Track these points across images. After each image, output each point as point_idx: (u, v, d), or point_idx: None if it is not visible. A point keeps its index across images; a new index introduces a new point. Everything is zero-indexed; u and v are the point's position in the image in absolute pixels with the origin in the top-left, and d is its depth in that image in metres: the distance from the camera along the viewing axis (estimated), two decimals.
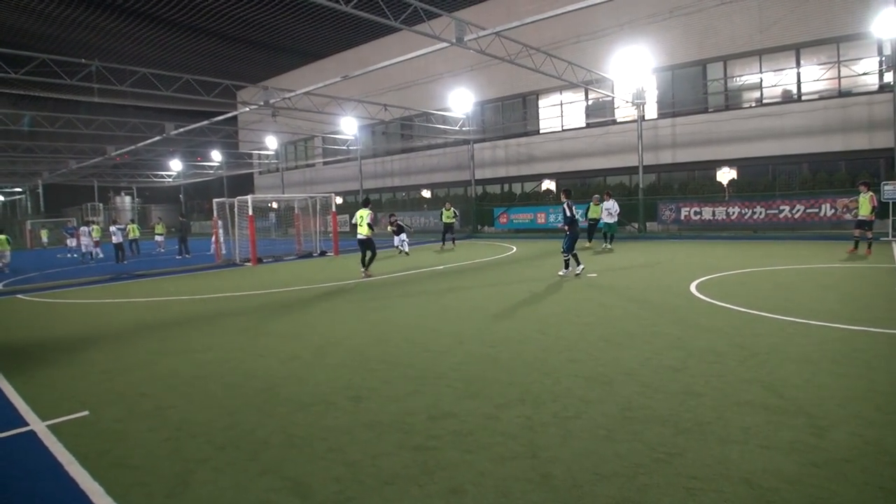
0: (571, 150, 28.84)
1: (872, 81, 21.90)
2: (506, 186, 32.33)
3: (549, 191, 30.32)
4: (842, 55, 22.32)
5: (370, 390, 5.41)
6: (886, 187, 18.76)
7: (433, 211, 33.51)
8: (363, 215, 14.18)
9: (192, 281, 15.70)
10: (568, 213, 12.36)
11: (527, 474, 3.61)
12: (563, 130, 29.57)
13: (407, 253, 19.93)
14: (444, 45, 17.22)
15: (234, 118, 38.33)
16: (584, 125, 28.90)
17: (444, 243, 22.72)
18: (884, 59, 21.22)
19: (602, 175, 28.39)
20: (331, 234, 23.23)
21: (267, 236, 33.98)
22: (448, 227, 22.51)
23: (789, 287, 10.05)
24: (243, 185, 50.71)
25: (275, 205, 36.44)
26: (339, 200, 25.34)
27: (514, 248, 20.96)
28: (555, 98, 29.83)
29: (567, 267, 12.62)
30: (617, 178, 27.85)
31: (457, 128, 31.11)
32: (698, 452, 3.81)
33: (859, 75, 22.17)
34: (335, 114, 29.55)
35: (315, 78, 31.04)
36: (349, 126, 31.89)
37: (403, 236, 20.47)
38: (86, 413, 5.13)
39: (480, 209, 31.30)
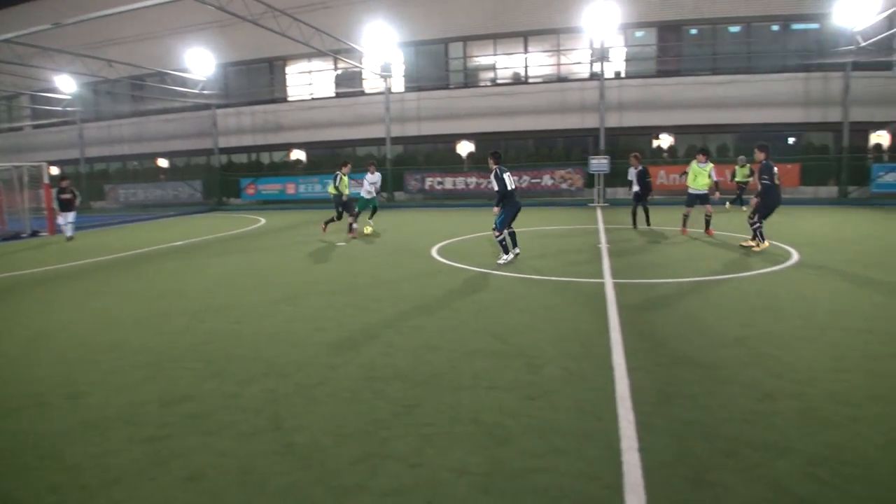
0: (321, 119, 28.54)
1: (585, 70, 25.46)
2: (253, 156, 30.90)
3: (298, 161, 29.74)
4: (561, 45, 25.50)
5: (93, 384, 4.80)
6: (592, 161, 22.07)
7: (173, 182, 30.69)
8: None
9: None
10: (499, 185, 9.51)
11: (270, 447, 3.56)
12: (313, 99, 29.12)
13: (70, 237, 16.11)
14: None
15: None
16: (333, 95, 28.80)
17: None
18: (593, 51, 24.71)
19: (352, 146, 28.70)
20: (45, 211, 19.92)
21: None
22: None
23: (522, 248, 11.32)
24: None
25: None
26: (54, 171, 21.68)
27: (263, 220, 20.25)
28: (303, 65, 29.16)
29: (507, 252, 9.74)
30: (366, 149, 28.40)
31: (197, 91, 28.63)
32: (433, 401, 4.13)
33: (574, 64, 25.58)
34: (47, 68, 25.12)
35: (20, 23, 25.86)
36: (66, 84, 27.46)
37: (71, 216, 16.33)
38: None
39: (226, 179, 29.44)
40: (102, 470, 3.39)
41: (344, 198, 13.99)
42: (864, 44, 20.84)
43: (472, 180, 24.64)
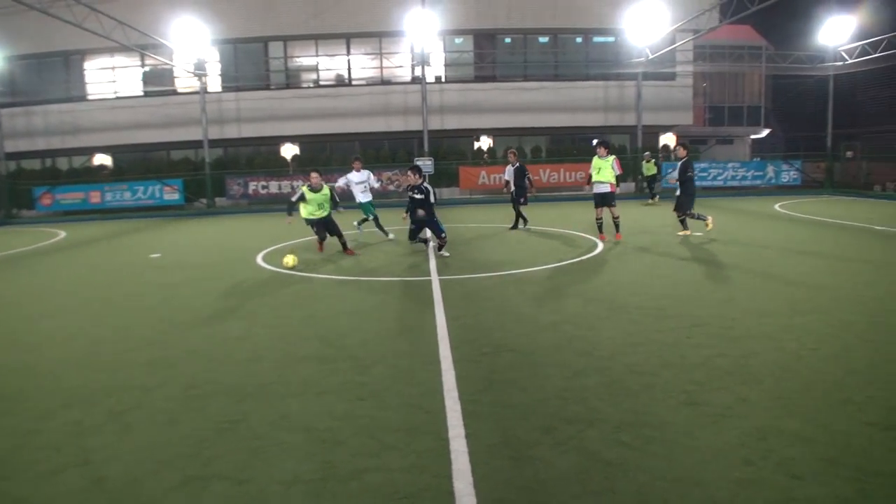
0: (128, 120, 25.97)
1: (407, 74, 25.97)
2: (48, 161, 27.35)
3: (103, 166, 26.90)
4: (383, 49, 25.76)
5: None
6: (417, 162, 22.58)
7: None
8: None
9: None
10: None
11: (78, 484, 3.17)
12: (117, 98, 26.47)
13: None
14: None
15: None
16: (141, 94, 26.46)
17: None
18: (414, 55, 25.26)
19: (165, 148, 26.62)
20: None
21: None
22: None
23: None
24: None
25: None
26: None
27: (63, 234, 18.02)
28: (106, 61, 26.41)
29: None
30: (182, 153, 26.53)
31: None
32: (261, 413, 3.97)
33: (395, 67, 25.98)
34: None
35: None
36: None
37: None
38: None
39: (15, 189, 25.48)
40: None
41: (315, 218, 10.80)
42: (652, 56, 23.69)
43: (298, 184, 24.03)
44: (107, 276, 9.85)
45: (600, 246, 10.67)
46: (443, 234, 10.00)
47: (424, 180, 10.34)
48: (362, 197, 12.58)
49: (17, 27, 24.75)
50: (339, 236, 10.81)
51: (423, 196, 10.12)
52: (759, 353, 4.78)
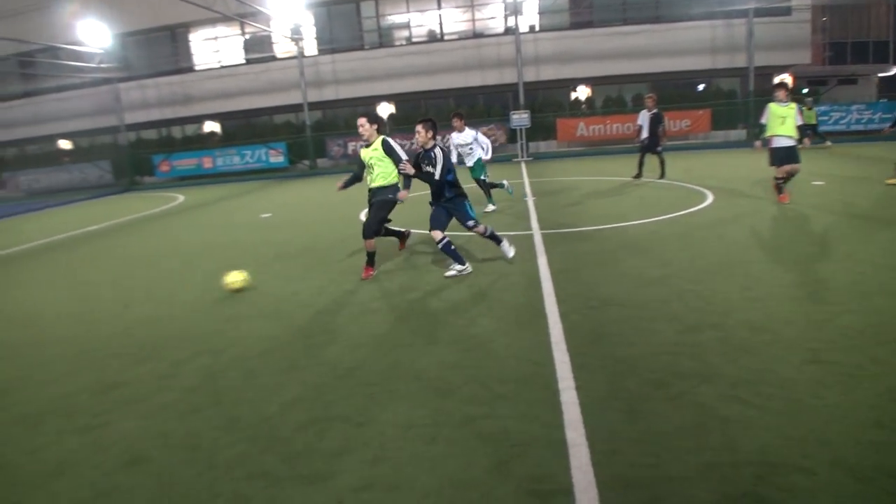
0: (233, 87, 27.29)
1: (500, 25, 25.43)
2: (164, 131, 29.35)
3: (213, 133, 28.50)
4: (475, 0, 25.30)
5: (18, 379, 4.56)
6: (513, 116, 22.26)
7: (78, 164, 28.60)
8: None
9: None
10: (448, 165, 6.35)
11: (213, 422, 3.50)
12: (222, 67, 27.79)
13: None
14: None
15: None
16: (243, 61, 27.59)
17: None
18: (506, 5, 24.64)
19: (268, 113, 27.75)
20: None
21: None
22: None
23: None
24: None
25: None
26: None
27: (182, 198, 19.40)
28: (209, 32, 27.69)
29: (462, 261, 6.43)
30: (284, 117, 27.54)
31: (94, 65, 26.72)
32: (375, 362, 4.17)
33: (488, 19, 25.50)
34: None
35: None
36: None
37: None
38: None
39: (136, 157, 27.76)
40: (38, 464, 3.25)
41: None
42: None
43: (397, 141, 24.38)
44: (226, 235, 10.52)
45: (710, 198, 10.14)
46: (473, 224, 6.43)
47: (436, 142, 6.47)
48: (469, 160, 10.36)
49: (126, 5, 26.45)
50: (374, 227, 6.56)
51: (431, 167, 6.35)
52: (894, 311, 4.43)
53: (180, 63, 28.29)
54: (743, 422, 3.04)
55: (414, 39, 26.27)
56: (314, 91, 25.96)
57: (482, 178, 10.42)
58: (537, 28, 25.48)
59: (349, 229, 9.87)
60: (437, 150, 6.34)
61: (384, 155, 6.54)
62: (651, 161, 12.93)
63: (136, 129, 29.28)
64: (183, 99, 28.15)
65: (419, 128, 6.45)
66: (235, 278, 6.30)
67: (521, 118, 22.08)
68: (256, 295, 6.26)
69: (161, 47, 28.43)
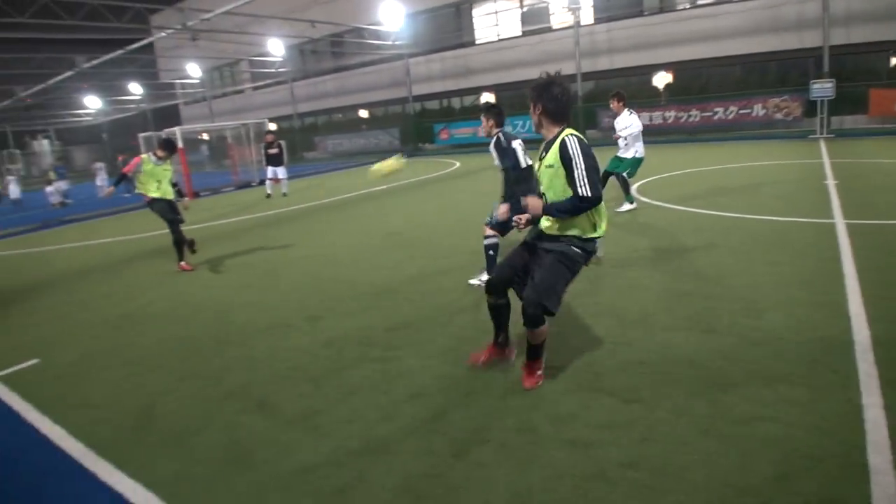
0: (509, 59, 28.28)
1: None
2: (444, 102, 31.75)
3: (488, 103, 30.01)
4: None
5: (327, 309, 5.45)
6: (815, 86, 19.31)
7: (373, 131, 32.61)
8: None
9: (126, 221, 15.12)
10: (508, 159, 5.40)
11: (487, 372, 3.77)
12: (500, 40, 28.91)
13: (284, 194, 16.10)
14: None
15: (151, 45, 35.68)
16: (520, 34, 28.33)
17: None
18: None
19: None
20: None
21: (200, 169, 32.65)
22: None
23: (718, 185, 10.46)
24: (169, 117, 47.88)
25: (205, 136, 34.77)
26: (273, 126, 24.15)
27: (458, 164, 20.88)
28: (489, 6, 28.97)
29: (489, 269, 5.53)
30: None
31: (390, 42, 29.92)
32: (645, 341, 4.05)
33: None
34: (260, 34, 27.91)
35: None
36: (276, 47, 30.29)
37: (281, 171, 15.96)
38: (36, 361, 4.93)
39: (420, 126, 30.70)
40: (341, 382, 3.87)
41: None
42: None
43: (672, 114, 22.94)
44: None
45: None
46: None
47: (500, 131, 5.58)
48: (625, 151, 8.75)
49: None
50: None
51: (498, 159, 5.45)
52: None
53: (463, 37, 30.15)
54: None
55: (699, 2, 24.21)
56: (588, 61, 25.61)
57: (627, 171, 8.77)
58: None
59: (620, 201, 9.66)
60: (504, 138, 5.45)
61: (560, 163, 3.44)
62: None
63: (421, 99, 32.23)
64: (464, 71, 30.10)
65: (483, 119, 5.67)
66: (386, 165, 5.59)
67: (823, 88, 19.05)
68: None
69: (446, 23, 30.59)
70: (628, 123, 8.66)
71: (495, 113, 5.63)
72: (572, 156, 3.26)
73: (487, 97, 30.01)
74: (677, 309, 4.61)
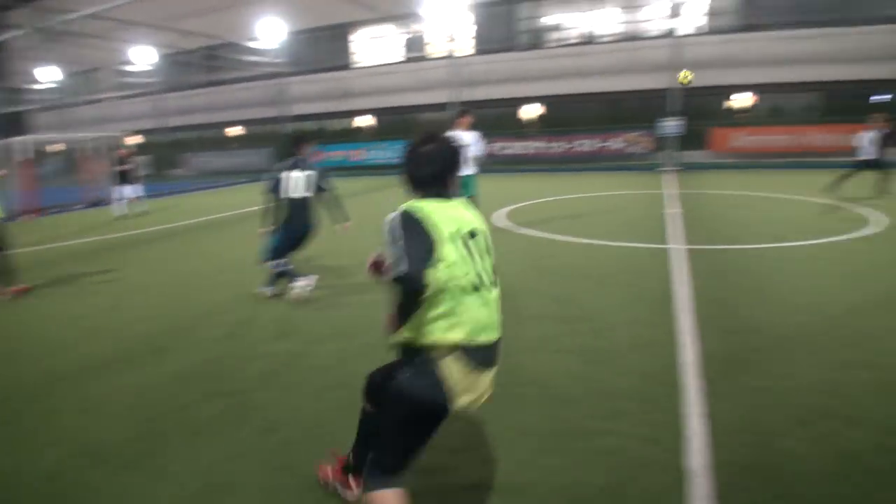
0: (389, 84, 28.58)
1: (657, 27, 24.34)
2: (324, 123, 31.41)
3: (359, 128, 30.15)
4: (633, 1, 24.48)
5: (176, 340, 5.13)
6: (661, 123, 21.29)
7: (245, 150, 31.41)
8: None
9: None
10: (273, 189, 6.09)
11: (341, 403, 3.70)
12: (380, 65, 29.19)
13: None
14: None
15: (1, 44, 32.39)
16: (402, 59, 28.81)
17: None
18: (672, 6, 23.44)
19: (420, 111, 28.72)
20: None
21: (50, 184, 29.70)
22: None
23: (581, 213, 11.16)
24: (15, 125, 43.24)
25: (59, 147, 31.70)
26: (130, 140, 22.43)
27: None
28: (371, 31, 29.22)
29: (293, 277, 6.11)
30: (435, 114, 28.33)
31: (268, 59, 29.14)
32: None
33: (645, 21, 24.53)
34: (128, 41, 26.14)
35: None
36: (146, 55, 28.47)
37: (130, 190, 14.70)
38: None
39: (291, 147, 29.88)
40: (186, 419, 3.63)
41: None
42: None
43: (541, 144, 24.28)
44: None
45: (886, 223, 9.08)
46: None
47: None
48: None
49: (303, 5, 28.40)
50: None
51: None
52: None
53: (342, 60, 30.08)
54: (893, 474, 2.73)
55: (567, 42, 25.92)
56: (467, 91, 26.51)
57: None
58: (703, 30, 23.92)
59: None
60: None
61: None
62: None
63: (298, 120, 31.53)
64: (342, 94, 29.92)
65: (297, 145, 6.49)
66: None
67: (671, 125, 21.04)
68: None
69: (327, 44, 30.41)
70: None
71: (302, 140, 6.45)
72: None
73: (364, 121, 30.12)
74: (529, 332, 4.83)
